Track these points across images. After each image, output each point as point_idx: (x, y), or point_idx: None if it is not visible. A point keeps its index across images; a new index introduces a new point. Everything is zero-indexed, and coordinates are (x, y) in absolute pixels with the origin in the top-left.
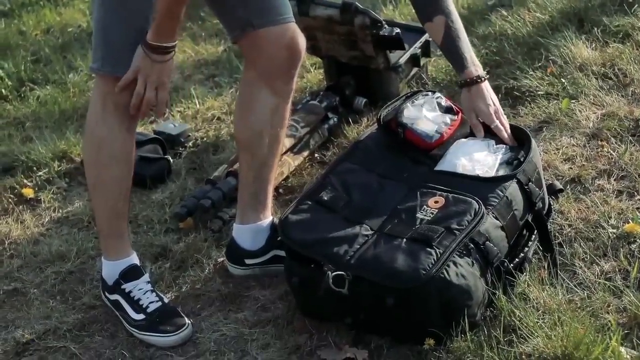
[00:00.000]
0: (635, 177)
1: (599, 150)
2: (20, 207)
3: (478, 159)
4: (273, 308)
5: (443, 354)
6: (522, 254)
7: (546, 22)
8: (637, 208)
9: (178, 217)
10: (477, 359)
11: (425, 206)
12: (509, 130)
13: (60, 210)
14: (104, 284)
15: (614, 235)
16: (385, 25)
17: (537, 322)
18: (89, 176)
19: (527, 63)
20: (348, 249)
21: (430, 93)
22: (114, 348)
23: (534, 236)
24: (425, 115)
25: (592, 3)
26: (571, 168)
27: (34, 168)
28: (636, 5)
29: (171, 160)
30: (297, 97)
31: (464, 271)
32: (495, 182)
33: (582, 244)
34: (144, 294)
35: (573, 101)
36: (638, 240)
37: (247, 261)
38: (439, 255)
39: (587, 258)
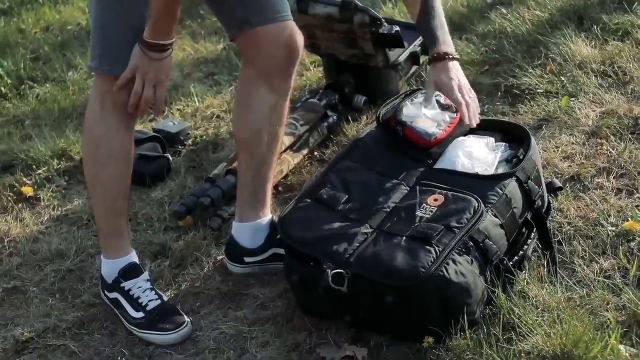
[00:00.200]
0: (635, 175)
1: (598, 148)
2: (20, 205)
3: (477, 156)
4: (272, 306)
5: (442, 352)
6: (521, 252)
7: (545, 20)
8: (637, 206)
9: (177, 215)
10: (476, 356)
11: (424, 204)
12: (473, 110)
13: (60, 208)
14: (103, 282)
15: (613, 233)
16: (385, 23)
17: (536, 320)
18: (88, 174)
19: (526, 61)
20: (347, 247)
21: None
22: (113, 346)
23: (533, 234)
24: (425, 113)
25: (592, 1)
26: (570, 166)
27: (34, 166)
28: (636, 3)
29: (170, 158)
30: (297, 95)
31: (463, 269)
32: (494, 180)
33: (581, 241)
34: (143, 292)
35: (572, 99)
36: (637, 238)
37: (247, 259)
38: (438, 253)
39: (586, 256)
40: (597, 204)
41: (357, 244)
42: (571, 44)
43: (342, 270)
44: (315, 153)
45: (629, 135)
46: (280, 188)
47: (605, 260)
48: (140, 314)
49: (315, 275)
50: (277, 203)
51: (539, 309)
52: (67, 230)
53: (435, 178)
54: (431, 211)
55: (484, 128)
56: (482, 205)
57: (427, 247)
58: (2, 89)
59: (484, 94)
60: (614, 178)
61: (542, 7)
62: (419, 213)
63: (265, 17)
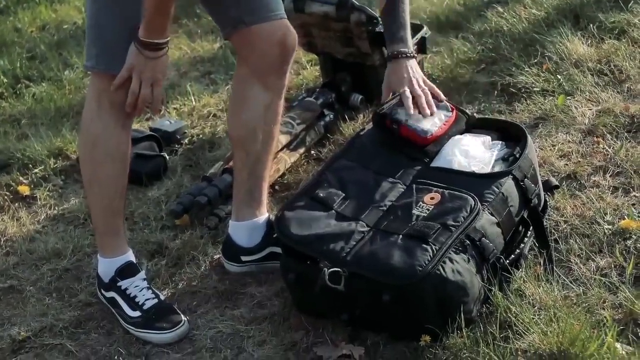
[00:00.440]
0: (631, 174)
1: (595, 146)
2: (16, 204)
3: (474, 155)
4: (269, 305)
5: (439, 351)
6: (517, 250)
7: (542, 19)
8: (633, 204)
9: (174, 214)
10: (473, 355)
11: (421, 202)
12: (427, 101)
13: (56, 208)
14: (100, 281)
15: (610, 232)
16: (381, 22)
17: (533, 318)
18: (85, 174)
19: (522, 59)
20: (344, 246)
21: None
22: (110, 345)
23: (529, 232)
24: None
25: None
26: (567, 164)
27: (30, 165)
28: (632, 2)
29: (167, 157)
30: (293, 94)
31: (459, 267)
32: (491, 178)
33: (577, 240)
34: (140, 291)
35: (569, 97)
36: (633, 236)
37: (243, 258)
38: (434, 252)
39: (582, 254)
40: (593, 203)
41: (354, 243)
42: (567, 42)
43: (339, 269)
44: (312, 152)
45: (625, 134)
46: (277, 187)
47: (601, 259)
48: (137, 313)
49: (312, 274)
50: (274, 202)
51: (536, 308)
52: (63, 230)
53: (432, 176)
54: (428, 210)
55: (481, 126)
56: (479, 204)
57: (424, 245)
58: None
59: (480, 92)
60: (610, 176)
61: (538, 5)
62: (415, 211)
63: (259, 16)
